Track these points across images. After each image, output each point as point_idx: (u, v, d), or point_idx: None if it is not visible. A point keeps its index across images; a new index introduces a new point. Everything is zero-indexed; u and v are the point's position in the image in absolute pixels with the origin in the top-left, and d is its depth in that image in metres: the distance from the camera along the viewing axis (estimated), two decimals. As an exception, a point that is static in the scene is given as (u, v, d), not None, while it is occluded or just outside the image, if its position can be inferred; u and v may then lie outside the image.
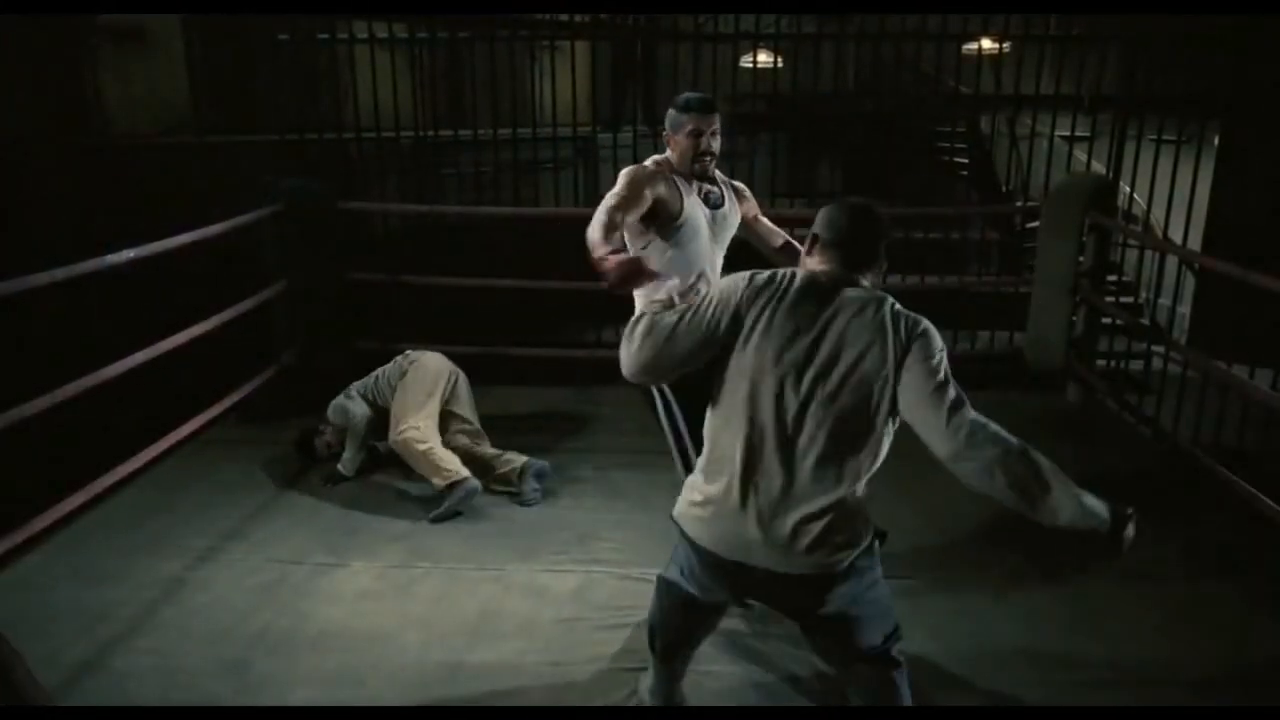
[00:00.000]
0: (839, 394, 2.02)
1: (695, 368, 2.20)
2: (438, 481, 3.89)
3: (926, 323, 2.09)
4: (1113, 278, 6.81)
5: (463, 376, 4.37)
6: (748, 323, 2.10)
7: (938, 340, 2.08)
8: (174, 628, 3.08)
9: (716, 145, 2.97)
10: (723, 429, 2.12)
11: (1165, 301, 7.05)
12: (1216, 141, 7.58)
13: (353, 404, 4.26)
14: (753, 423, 2.06)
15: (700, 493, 2.15)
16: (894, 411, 2.06)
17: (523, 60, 6.45)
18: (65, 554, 3.53)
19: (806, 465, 2.02)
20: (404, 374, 4.22)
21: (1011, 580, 3.38)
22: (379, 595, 3.31)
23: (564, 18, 7.46)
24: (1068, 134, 6.48)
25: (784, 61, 8.12)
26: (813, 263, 2.21)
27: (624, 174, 2.91)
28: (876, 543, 2.13)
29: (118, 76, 7.63)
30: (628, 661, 2.87)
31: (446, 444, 4.15)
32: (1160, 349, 5.64)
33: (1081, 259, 5.19)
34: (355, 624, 3.12)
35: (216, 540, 3.66)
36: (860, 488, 2.08)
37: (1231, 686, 2.83)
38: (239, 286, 4.77)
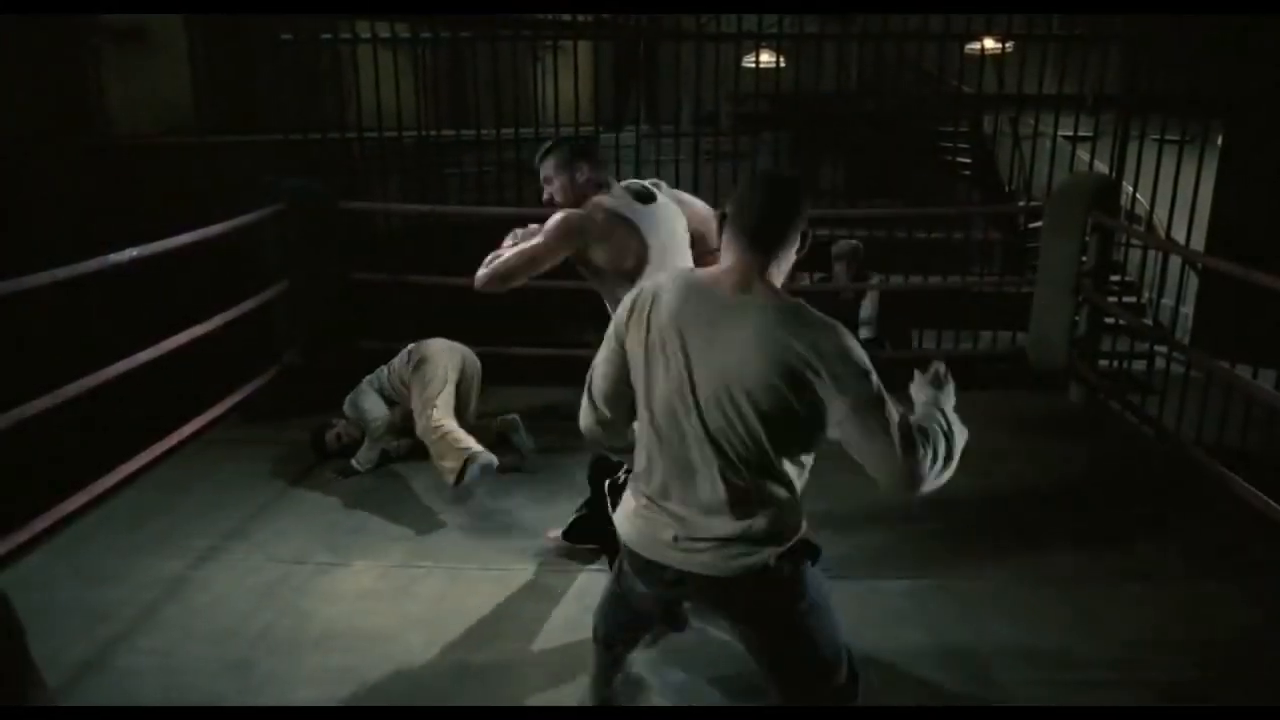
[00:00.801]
0: (720, 404, 1.91)
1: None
2: (450, 464, 3.91)
3: (828, 329, 1.87)
4: (1115, 278, 6.81)
5: (469, 355, 4.48)
6: (631, 341, 2.04)
7: (843, 346, 1.86)
8: (176, 627, 3.09)
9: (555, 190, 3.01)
10: (639, 436, 2.12)
11: (1168, 301, 7.04)
12: (1219, 141, 7.57)
13: (368, 401, 4.29)
14: (654, 430, 2.03)
15: (629, 494, 2.16)
16: (794, 425, 1.89)
17: (525, 60, 6.46)
18: (67, 554, 3.54)
19: (699, 470, 1.97)
20: (416, 369, 4.27)
21: (1011, 580, 3.38)
22: (381, 595, 3.31)
23: (566, 17, 7.46)
24: (1070, 134, 6.48)
25: (786, 61, 8.13)
26: (720, 249, 2.06)
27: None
28: (808, 563, 2.02)
29: (120, 76, 7.64)
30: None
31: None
32: (1163, 349, 5.64)
33: (1084, 259, 5.19)
34: (357, 624, 3.12)
35: (219, 540, 3.67)
36: (772, 492, 1.96)
37: (1231, 686, 2.83)
38: (241, 286, 4.77)
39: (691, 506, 2.00)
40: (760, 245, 1.96)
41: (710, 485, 1.97)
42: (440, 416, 4.07)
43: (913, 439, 1.87)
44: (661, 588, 2.14)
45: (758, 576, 1.98)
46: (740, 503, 1.95)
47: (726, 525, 1.97)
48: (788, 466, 1.97)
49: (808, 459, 2.03)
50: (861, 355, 1.88)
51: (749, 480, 1.95)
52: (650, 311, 2.00)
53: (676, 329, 1.95)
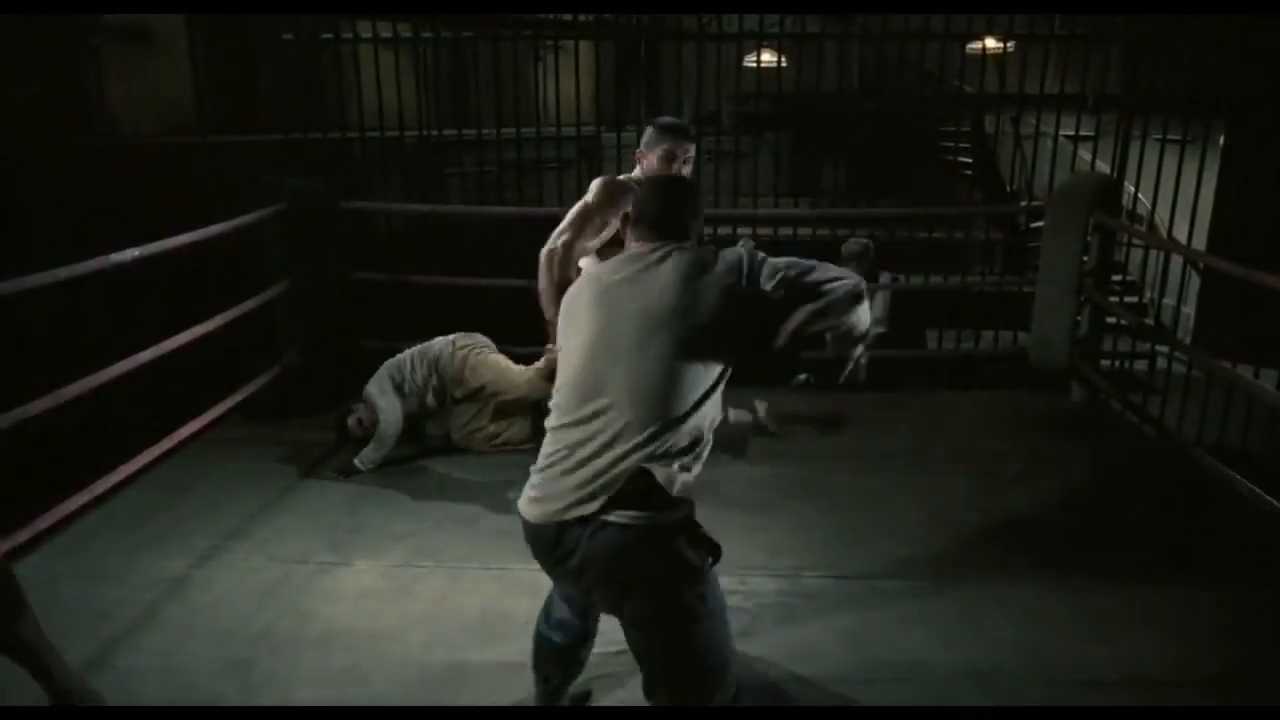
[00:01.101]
0: (636, 346, 2.01)
1: None
2: None
3: (728, 251, 2.11)
4: (1117, 277, 6.81)
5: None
6: (572, 316, 2.19)
7: (741, 255, 2.08)
8: (177, 627, 3.09)
9: (688, 171, 2.96)
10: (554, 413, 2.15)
11: (1170, 301, 7.04)
12: (1221, 141, 7.57)
13: (385, 400, 4.31)
14: (575, 392, 2.08)
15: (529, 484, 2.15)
16: (692, 354, 1.99)
17: (526, 60, 6.46)
18: (68, 553, 3.54)
19: (598, 431, 2.00)
20: (475, 356, 4.39)
21: (1013, 580, 3.38)
22: (382, 594, 3.31)
23: (568, 17, 7.47)
24: (1072, 134, 6.47)
25: (788, 61, 8.13)
26: (629, 239, 2.25)
27: (599, 188, 2.93)
28: (710, 559, 2.03)
29: (122, 76, 7.65)
30: (628, 661, 2.87)
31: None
32: (1164, 349, 5.64)
33: (1086, 259, 5.19)
34: (358, 623, 3.12)
35: (220, 539, 3.67)
36: (675, 463, 1.98)
37: (1232, 686, 2.83)
38: (242, 286, 4.77)
39: (583, 459, 2.00)
40: (658, 232, 2.17)
41: (602, 446, 1.99)
42: (528, 369, 4.32)
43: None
44: (559, 573, 2.12)
45: (648, 548, 1.96)
46: (624, 454, 1.96)
47: (607, 473, 1.96)
48: (686, 428, 1.99)
49: (711, 412, 2.06)
50: (743, 256, 2.09)
51: (636, 429, 1.96)
52: (585, 288, 2.20)
53: (592, 297, 2.14)
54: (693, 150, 2.94)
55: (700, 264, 2.08)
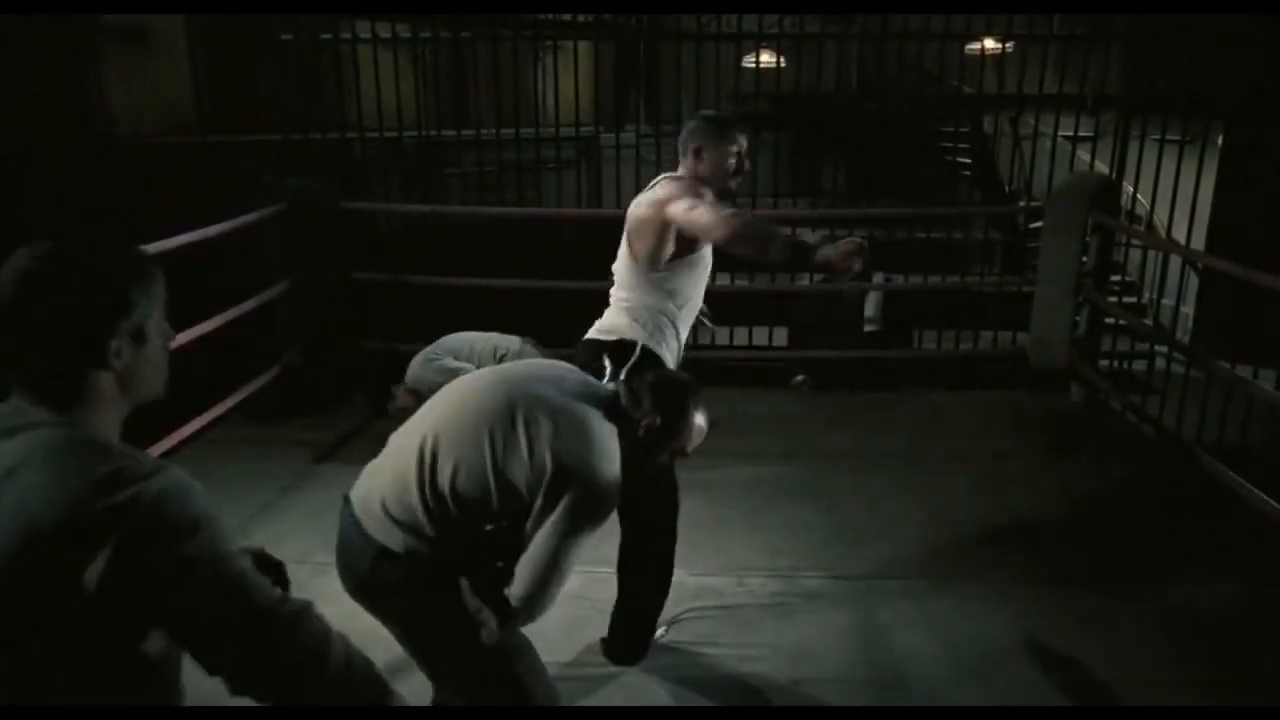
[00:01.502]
0: (472, 387, 2.04)
1: None
2: None
3: (592, 457, 1.94)
4: (1116, 278, 6.81)
5: None
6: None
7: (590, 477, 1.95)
8: (177, 627, 3.08)
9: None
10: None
11: (1169, 301, 7.04)
12: (1220, 142, 7.57)
13: (447, 363, 4.33)
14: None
15: None
16: (498, 430, 1.95)
17: (525, 60, 6.46)
18: (68, 553, 3.53)
19: (416, 431, 2.02)
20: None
21: (1012, 580, 3.38)
22: (381, 595, 3.30)
23: (567, 17, 7.46)
24: (1071, 134, 6.47)
25: (787, 61, 8.13)
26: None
27: (687, 186, 2.71)
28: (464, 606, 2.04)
29: (121, 76, 7.63)
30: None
31: None
32: (1163, 349, 5.64)
33: (1085, 259, 5.19)
34: (356, 624, 3.07)
35: (219, 539, 3.66)
36: (417, 526, 1.98)
37: (1232, 686, 2.83)
38: (243, 286, 4.77)
39: (396, 473, 2.02)
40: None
41: (399, 449, 2.03)
42: None
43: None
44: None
45: (392, 550, 1.99)
46: (425, 505, 1.97)
47: (402, 500, 1.99)
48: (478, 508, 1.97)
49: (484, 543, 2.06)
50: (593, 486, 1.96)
51: (449, 499, 1.97)
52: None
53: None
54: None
55: (594, 426, 1.96)
